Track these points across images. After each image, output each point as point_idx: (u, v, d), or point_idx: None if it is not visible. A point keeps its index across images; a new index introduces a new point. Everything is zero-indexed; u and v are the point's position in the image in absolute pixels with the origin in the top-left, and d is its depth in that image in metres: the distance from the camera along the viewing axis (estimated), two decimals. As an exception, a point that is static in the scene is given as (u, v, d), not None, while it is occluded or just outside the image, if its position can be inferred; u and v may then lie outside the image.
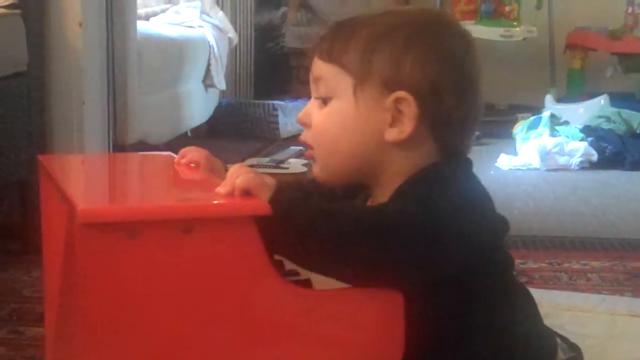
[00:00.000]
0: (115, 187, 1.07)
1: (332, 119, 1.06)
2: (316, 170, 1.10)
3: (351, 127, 1.05)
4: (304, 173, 3.13)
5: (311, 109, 1.09)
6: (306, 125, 1.09)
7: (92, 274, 0.77)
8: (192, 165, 1.09)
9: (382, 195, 1.06)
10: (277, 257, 0.92)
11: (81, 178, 1.10)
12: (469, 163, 1.10)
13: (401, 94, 1.03)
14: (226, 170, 1.08)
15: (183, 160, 1.10)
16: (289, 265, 0.94)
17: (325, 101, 1.07)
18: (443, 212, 0.97)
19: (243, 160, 3.39)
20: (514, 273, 1.15)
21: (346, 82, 1.05)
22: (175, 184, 1.05)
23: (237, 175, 0.91)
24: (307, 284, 0.92)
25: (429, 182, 1.03)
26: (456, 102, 1.05)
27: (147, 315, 0.79)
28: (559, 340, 1.19)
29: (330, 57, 1.07)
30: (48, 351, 1.14)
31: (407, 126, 1.04)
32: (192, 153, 1.11)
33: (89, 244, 0.76)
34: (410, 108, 1.03)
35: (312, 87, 1.10)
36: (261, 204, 0.81)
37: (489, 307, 1.04)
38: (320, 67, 1.08)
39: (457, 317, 1.02)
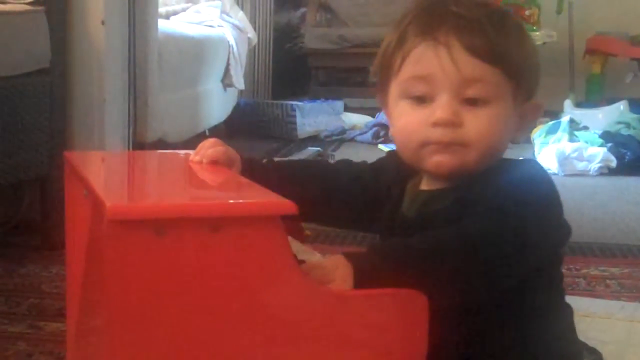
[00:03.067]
0: (142, 184, 1.07)
1: (499, 122, 1.04)
2: (455, 166, 1.04)
3: (509, 130, 1.06)
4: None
5: (455, 108, 1.02)
6: (455, 125, 1.03)
7: (119, 270, 0.77)
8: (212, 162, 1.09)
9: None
10: (299, 256, 0.92)
11: (108, 174, 1.10)
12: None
13: (540, 101, 1.08)
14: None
15: (205, 161, 1.09)
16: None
17: (474, 102, 1.03)
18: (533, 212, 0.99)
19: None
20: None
21: (507, 87, 1.04)
22: (200, 182, 1.05)
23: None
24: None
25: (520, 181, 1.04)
26: None
27: (171, 313, 0.79)
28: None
29: (495, 59, 1.02)
30: (69, 347, 1.14)
31: (527, 128, 1.11)
32: (210, 149, 1.10)
33: (116, 240, 0.76)
34: (538, 113, 1.09)
35: (456, 83, 1.02)
36: (288, 204, 0.81)
37: (535, 321, 1.04)
38: (478, 68, 1.02)
39: (501, 327, 1.02)
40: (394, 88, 1.08)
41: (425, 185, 1.11)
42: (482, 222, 0.96)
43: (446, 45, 1.01)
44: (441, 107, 1.02)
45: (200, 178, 1.06)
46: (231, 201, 0.87)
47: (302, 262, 0.91)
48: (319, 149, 3.68)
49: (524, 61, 1.05)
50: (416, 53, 1.04)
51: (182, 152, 1.17)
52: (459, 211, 1.00)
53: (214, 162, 1.09)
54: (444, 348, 0.92)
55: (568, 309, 1.12)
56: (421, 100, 1.05)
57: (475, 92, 1.02)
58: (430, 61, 1.03)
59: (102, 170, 1.12)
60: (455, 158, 1.03)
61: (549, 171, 3.30)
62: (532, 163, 1.08)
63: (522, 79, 1.04)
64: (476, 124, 1.02)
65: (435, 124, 1.03)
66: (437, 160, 1.04)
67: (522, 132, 1.10)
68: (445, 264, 0.93)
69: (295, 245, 1.04)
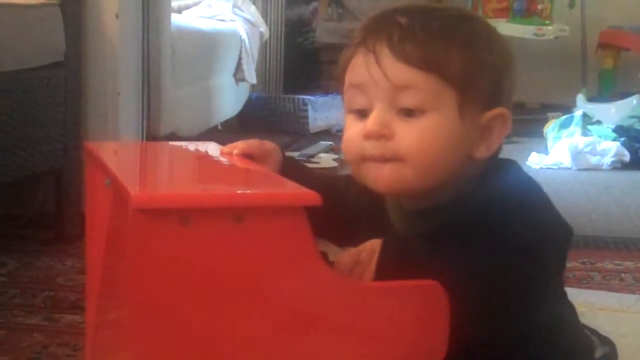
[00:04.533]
0: (166, 174, 1.08)
1: (437, 133, 0.96)
2: (393, 182, 0.99)
3: (455, 142, 0.97)
4: (334, 168, 3.13)
5: (387, 119, 0.97)
6: (386, 137, 0.97)
7: (142, 260, 0.77)
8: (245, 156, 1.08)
9: (427, 197, 1.01)
10: (321, 248, 0.92)
11: (131, 164, 1.10)
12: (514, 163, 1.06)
13: (502, 110, 0.99)
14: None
15: (235, 152, 1.07)
16: (332, 257, 0.94)
17: (410, 112, 0.97)
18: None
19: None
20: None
21: (449, 95, 0.96)
22: (224, 172, 1.05)
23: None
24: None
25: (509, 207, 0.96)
26: None
27: (194, 303, 0.79)
28: (588, 332, 1.18)
29: (427, 65, 0.95)
30: (88, 339, 1.14)
31: (495, 143, 1.00)
32: (243, 143, 1.08)
33: (140, 229, 0.76)
34: (505, 124, 1.00)
35: (387, 91, 0.97)
36: (312, 195, 0.81)
37: (545, 314, 1.00)
38: (408, 75, 0.96)
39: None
40: (344, 100, 1.05)
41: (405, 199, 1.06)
42: (492, 264, 0.91)
43: (374, 52, 0.97)
44: (371, 119, 0.98)
45: (224, 169, 1.06)
46: (255, 191, 0.87)
47: (323, 253, 0.91)
48: (330, 143, 3.67)
49: (473, 67, 0.96)
50: (352, 62, 1.02)
51: (206, 143, 1.17)
52: (460, 232, 0.95)
53: (248, 156, 1.07)
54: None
55: (571, 308, 1.10)
56: (362, 114, 1.00)
57: (409, 100, 0.96)
58: (361, 69, 0.99)
59: (125, 160, 1.12)
60: (392, 173, 0.98)
61: (561, 165, 3.34)
62: (513, 169, 1.03)
63: (470, 87, 0.97)
64: (408, 135, 0.96)
65: (366, 137, 0.98)
66: (373, 175, 0.99)
67: (487, 146, 1.00)
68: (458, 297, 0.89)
69: (323, 244, 1.03)
